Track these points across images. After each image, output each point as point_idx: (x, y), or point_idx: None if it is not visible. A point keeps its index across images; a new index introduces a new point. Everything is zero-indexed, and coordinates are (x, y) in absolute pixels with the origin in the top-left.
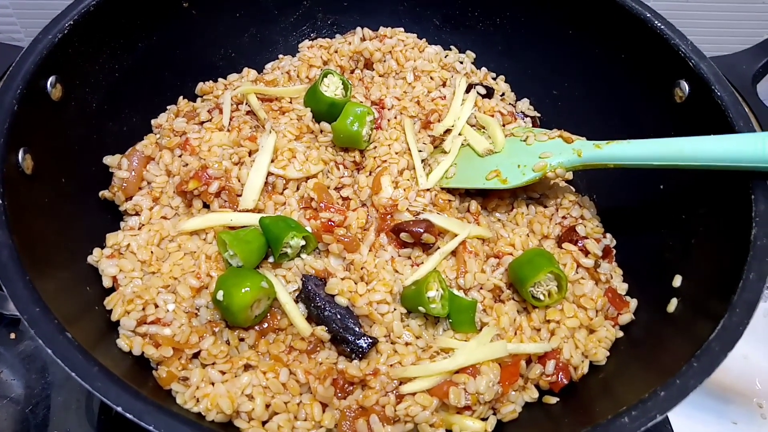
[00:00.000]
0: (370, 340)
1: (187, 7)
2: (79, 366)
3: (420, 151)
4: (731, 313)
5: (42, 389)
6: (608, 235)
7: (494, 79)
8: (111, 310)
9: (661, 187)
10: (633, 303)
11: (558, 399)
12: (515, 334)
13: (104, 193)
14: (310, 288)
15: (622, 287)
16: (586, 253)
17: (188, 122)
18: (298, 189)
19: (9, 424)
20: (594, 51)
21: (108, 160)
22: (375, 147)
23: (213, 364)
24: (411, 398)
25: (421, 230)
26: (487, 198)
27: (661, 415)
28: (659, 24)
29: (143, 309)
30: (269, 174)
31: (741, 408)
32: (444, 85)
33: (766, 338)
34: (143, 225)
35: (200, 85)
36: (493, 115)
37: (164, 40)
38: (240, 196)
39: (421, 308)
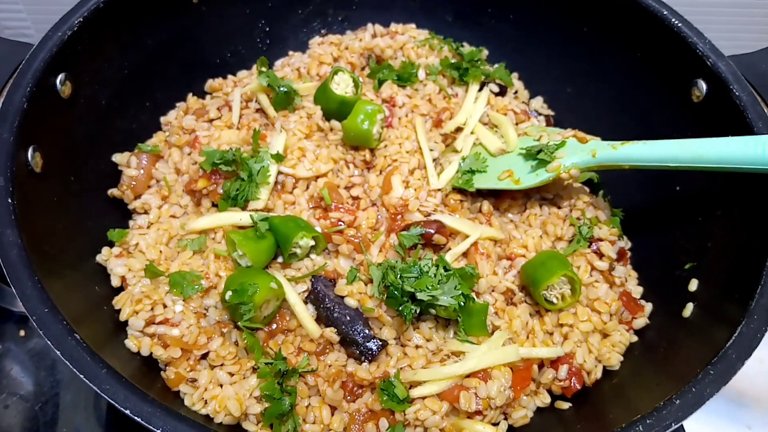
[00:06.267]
0: (380, 343)
1: (196, 4)
2: (87, 368)
3: (431, 150)
4: (749, 319)
5: (51, 387)
6: (623, 238)
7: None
8: (119, 310)
9: (677, 188)
10: (648, 307)
11: (570, 404)
12: (527, 337)
13: (113, 192)
14: (319, 289)
15: (637, 291)
16: (601, 255)
17: (197, 120)
18: (308, 188)
19: (19, 421)
20: (609, 48)
21: (117, 158)
22: (386, 146)
23: (221, 365)
24: (421, 402)
25: (432, 231)
26: (500, 198)
27: (676, 423)
28: (676, 22)
29: (151, 309)
30: (279, 173)
31: (756, 412)
32: (455, 82)
33: None
34: (152, 224)
35: (209, 82)
36: (506, 114)
37: (173, 36)
38: None
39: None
